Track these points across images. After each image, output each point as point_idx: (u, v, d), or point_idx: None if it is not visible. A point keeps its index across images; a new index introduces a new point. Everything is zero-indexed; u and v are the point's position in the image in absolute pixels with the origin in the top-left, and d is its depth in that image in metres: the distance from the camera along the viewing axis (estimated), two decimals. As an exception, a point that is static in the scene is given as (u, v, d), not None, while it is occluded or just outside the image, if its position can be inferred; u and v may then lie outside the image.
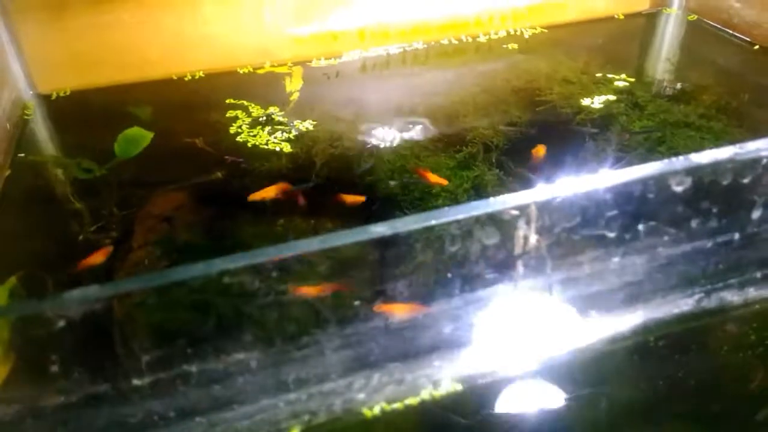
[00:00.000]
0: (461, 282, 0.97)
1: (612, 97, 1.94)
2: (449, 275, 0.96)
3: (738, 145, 0.93)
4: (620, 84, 2.01)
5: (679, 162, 0.91)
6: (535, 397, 1.09)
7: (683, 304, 1.12)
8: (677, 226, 1.03)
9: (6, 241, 1.41)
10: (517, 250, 0.95)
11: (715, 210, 1.00)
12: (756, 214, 1.04)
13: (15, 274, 1.25)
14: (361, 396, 0.97)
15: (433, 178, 1.52)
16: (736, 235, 1.08)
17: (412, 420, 1.00)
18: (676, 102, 1.91)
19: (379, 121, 1.83)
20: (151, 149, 1.73)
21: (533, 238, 0.93)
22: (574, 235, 0.94)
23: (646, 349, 1.15)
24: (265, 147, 1.71)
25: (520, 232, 0.91)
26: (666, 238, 1.04)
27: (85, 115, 1.92)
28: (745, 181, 0.96)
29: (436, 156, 1.64)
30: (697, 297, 1.12)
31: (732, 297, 1.15)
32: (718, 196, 0.98)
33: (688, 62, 2.23)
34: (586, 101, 1.92)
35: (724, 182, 0.94)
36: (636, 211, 0.96)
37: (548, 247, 0.95)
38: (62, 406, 0.87)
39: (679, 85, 2.04)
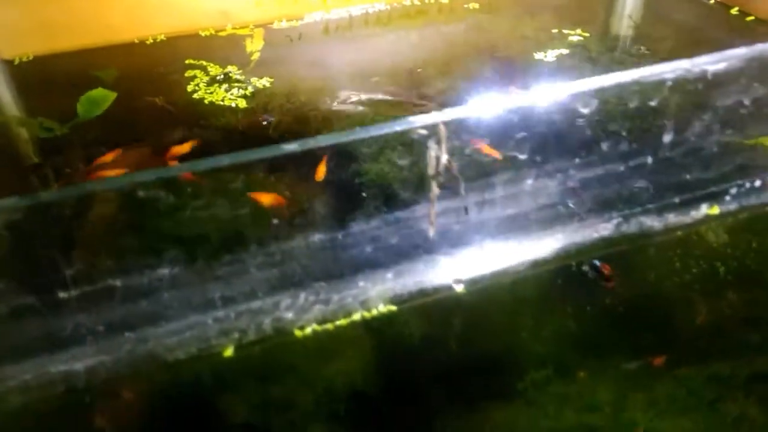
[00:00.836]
0: (378, 202, 1.01)
1: (566, 51, 1.97)
2: (366, 195, 1.01)
3: (642, 68, 0.97)
4: (575, 39, 2.05)
5: (585, 83, 0.96)
6: (460, 319, 1.14)
7: (602, 228, 1.16)
8: (589, 150, 1.07)
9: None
10: (430, 170, 0.99)
11: (625, 133, 1.04)
12: (667, 138, 1.09)
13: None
14: (290, 315, 1.02)
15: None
16: (649, 159, 1.12)
17: (342, 339, 1.05)
18: (629, 56, 1.95)
19: (339, 79, 1.87)
20: (113, 109, 1.76)
21: (444, 159, 0.97)
22: (485, 157, 0.98)
23: (569, 274, 1.20)
24: (221, 103, 1.75)
25: (432, 153, 0.96)
26: (578, 160, 1.08)
27: (49, 79, 1.95)
28: (653, 104, 1.00)
29: (395, 111, 1.68)
30: (615, 222, 1.16)
31: (652, 222, 1.19)
32: (627, 119, 1.02)
33: (647, 19, 2.26)
34: (539, 55, 1.96)
35: (632, 105, 0.98)
36: (546, 133, 1.01)
37: (460, 168, 0.99)
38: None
39: (636, 41, 2.07)
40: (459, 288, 1.14)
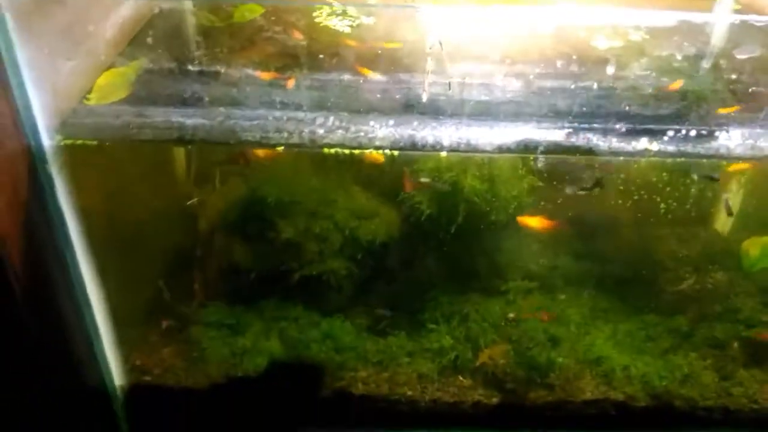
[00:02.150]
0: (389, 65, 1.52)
1: None
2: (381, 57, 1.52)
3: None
4: None
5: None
6: (434, 171, 1.63)
7: (556, 134, 1.60)
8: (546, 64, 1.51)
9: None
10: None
11: (575, 57, 1.47)
12: (610, 70, 1.49)
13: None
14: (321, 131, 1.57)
15: None
16: (595, 85, 1.53)
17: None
18: None
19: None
20: (259, 18, 2.39)
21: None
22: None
23: (526, 165, 1.64)
24: (331, 27, 2.34)
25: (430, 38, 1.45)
26: (538, 70, 1.52)
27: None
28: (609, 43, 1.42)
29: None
30: (566, 131, 1.59)
31: (597, 141, 1.60)
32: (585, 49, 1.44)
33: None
34: None
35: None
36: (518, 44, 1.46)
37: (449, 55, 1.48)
38: None
39: None
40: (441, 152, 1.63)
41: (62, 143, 1.58)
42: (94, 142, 1.58)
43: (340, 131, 1.55)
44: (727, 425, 2.32)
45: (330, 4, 2.52)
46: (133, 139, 1.55)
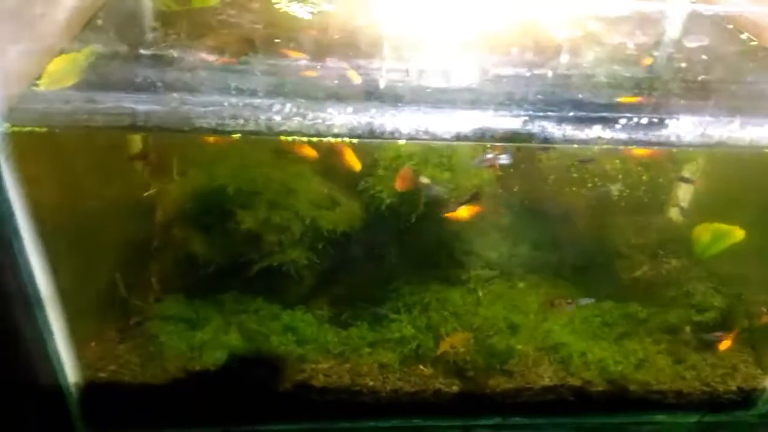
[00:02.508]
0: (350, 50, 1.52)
1: None
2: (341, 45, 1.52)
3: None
4: None
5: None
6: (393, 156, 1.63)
7: (512, 122, 1.61)
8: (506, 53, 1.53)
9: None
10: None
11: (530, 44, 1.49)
12: (564, 59, 1.52)
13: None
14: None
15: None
16: (549, 72, 1.56)
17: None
18: None
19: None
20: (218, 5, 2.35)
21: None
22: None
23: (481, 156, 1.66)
24: (290, 13, 2.31)
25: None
26: (496, 59, 1.54)
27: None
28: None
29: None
30: (522, 119, 1.61)
31: (552, 129, 1.62)
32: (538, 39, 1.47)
33: None
34: None
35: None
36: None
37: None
38: None
39: None
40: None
41: (9, 130, 1.52)
42: (43, 129, 1.53)
43: (297, 118, 1.53)
44: (681, 408, 2.39)
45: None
46: (84, 126, 1.50)
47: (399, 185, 2.04)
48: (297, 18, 2.27)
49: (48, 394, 2.06)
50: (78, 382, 2.12)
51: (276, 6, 2.38)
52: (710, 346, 2.34)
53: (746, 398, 2.42)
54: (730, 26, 2.20)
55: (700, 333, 2.36)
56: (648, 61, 1.90)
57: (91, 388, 2.14)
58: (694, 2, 2.15)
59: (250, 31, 2.04)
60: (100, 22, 2.00)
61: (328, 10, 2.35)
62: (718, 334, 2.33)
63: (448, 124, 1.59)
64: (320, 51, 1.81)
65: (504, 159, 1.80)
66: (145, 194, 2.34)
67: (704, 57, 1.92)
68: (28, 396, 1.96)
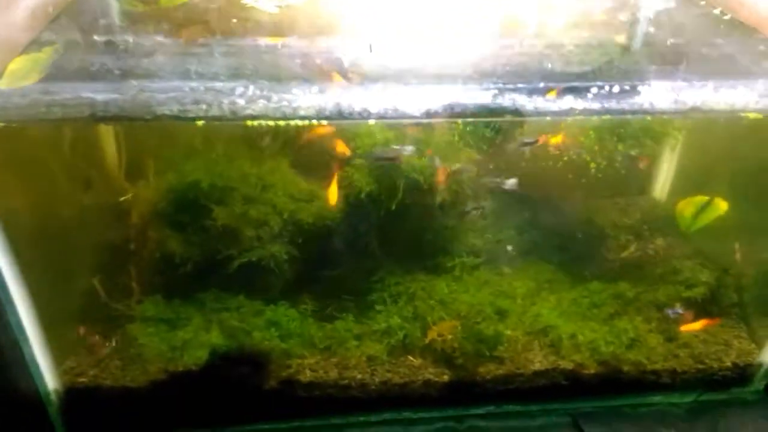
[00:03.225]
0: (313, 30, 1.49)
1: None
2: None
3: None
4: None
5: None
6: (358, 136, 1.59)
7: (481, 96, 1.58)
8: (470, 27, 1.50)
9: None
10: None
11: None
12: (530, 29, 1.49)
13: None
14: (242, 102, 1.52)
15: None
16: (516, 45, 1.53)
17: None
18: None
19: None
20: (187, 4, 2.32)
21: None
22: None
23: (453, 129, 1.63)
24: (257, 8, 2.28)
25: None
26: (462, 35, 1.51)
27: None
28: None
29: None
30: (492, 92, 1.58)
31: (523, 101, 1.59)
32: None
33: None
34: None
35: None
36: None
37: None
38: None
39: None
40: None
41: (-33, 128, 1.49)
42: (1, 125, 1.49)
43: (262, 101, 1.50)
44: (677, 389, 2.35)
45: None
46: (43, 118, 1.46)
47: (440, 180, 2.05)
48: (264, 11, 2.24)
49: (26, 403, 2.02)
50: (58, 388, 2.07)
51: (243, 2, 2.35)
52: (675, 323, 2.29)
53: (742, 375, 2.38)
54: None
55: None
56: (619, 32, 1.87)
57: (71, 394, 2.09)
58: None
59: (217, 23, 2.01)
60: (65, 22, 1.97)
61: (294, 4, 2.32)
62: (679, 311, 2.28)
63: (416, 100, 1.55)
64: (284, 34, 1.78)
65: (408, 151, 1.80)
66: (122, 199, 2.30)
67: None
68: (6, 404, 1.92)
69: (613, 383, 2.31)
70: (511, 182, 1.91)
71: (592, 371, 2.27)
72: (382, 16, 2.06)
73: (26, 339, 1.93)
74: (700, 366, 2.34)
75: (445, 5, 1.94)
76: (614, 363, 2.27)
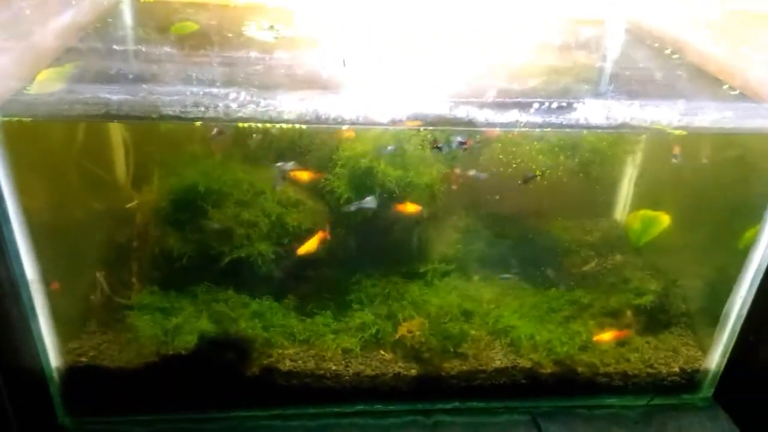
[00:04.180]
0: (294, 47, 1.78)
1: None
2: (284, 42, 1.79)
3: None
4: None
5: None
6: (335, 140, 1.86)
7: (440, 107, 1.86)
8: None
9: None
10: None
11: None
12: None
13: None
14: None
15: None
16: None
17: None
18: None
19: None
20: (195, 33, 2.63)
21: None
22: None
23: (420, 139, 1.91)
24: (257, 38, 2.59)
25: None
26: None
27: (158, 13, 2.88)
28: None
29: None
30: (449, 104, 1.85)
31: (475, 114, 1.86)
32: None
33: None
34: None
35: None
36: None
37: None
38: None
39: None
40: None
41: (0, 120, 1.76)
42: (29, 120, 1.77)
43: (251, 105, 1.78)
44: (630, 392, 2.53)
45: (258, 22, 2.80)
46: (66, 115, 1.74)
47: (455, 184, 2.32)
48: (261, 41, 2.55)
49: (31, 378, 2.21)
50: (59, 366, 2.28)
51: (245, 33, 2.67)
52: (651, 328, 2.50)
53: (690, 381, 2.57)
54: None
55: (640, 317, 2.53)
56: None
57: (71, 373, 2.30)
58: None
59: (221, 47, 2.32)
60: (92, 35, 2.29)
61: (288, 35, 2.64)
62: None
63: (383, 108, 1.83)
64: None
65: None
66: (128, 205, 2.57)
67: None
68: (12, 378, 2.11)
69: (569, 383, 2.50)
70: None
71: (549, 370, 2.47)
72: (369, 38, 2.37)
73: (36, 317, 2.14)
74: (651, 370, 2.53)
75: (413, 31, 2.26)
76: (569, 363, 2.47)
